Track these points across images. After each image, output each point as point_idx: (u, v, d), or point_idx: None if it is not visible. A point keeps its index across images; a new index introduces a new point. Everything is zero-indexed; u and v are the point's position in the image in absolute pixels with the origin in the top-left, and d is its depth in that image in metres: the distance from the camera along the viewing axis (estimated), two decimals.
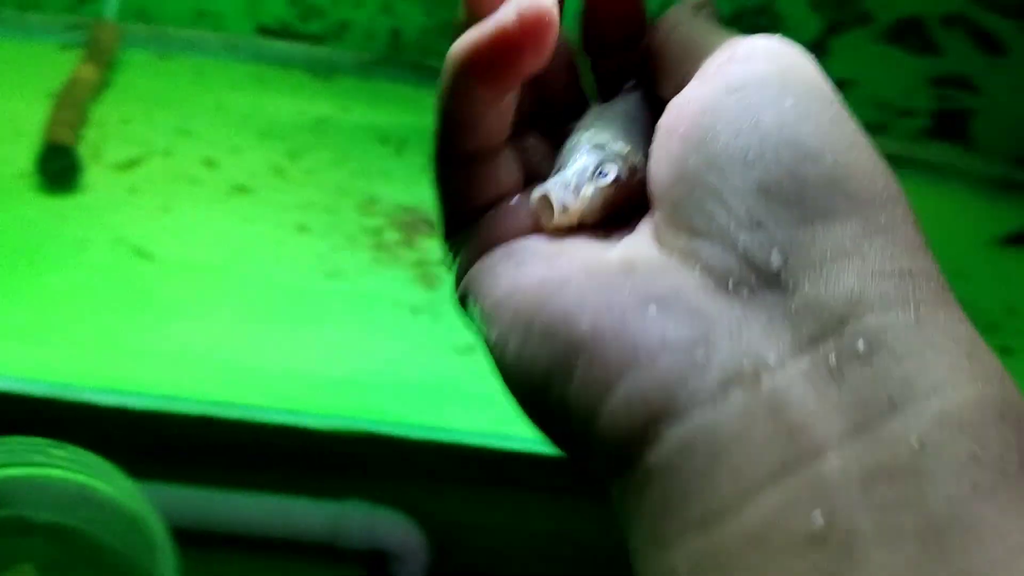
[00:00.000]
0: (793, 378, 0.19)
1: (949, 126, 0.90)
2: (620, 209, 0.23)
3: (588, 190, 0.23)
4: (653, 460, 0.19)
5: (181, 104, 0.80)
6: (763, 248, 0.20)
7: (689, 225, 0.21)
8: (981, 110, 0.90)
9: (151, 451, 0.54)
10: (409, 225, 0.75)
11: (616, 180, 0.23)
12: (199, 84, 0.83)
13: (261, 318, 0.63)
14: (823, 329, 0.19)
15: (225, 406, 0.55)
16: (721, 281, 0.20)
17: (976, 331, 0.20)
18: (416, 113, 0.87)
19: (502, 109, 0.23)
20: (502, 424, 0.60)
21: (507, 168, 0.25)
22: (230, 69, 0.86)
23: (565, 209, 0.23)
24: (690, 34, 0.24)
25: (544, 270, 0.22)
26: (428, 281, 0.70)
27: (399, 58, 0.90)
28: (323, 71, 0.89)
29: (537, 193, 0.23)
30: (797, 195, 0.20)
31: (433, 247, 0.73)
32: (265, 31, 0.89)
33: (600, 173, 0.23)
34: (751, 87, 0.21)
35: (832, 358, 0.18)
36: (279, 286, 0.66)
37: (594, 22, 0.26)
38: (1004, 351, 0.75)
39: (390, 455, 0.56)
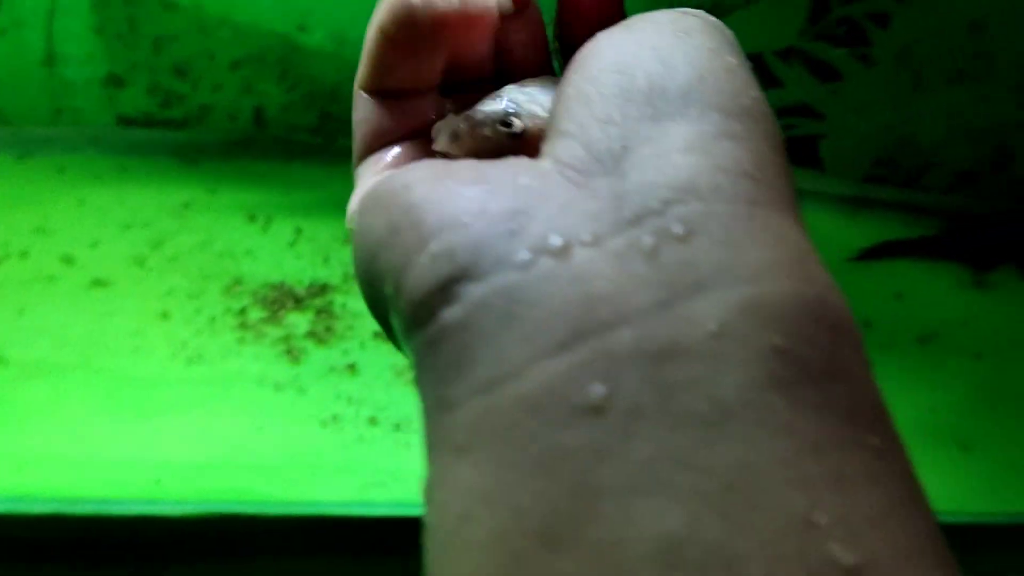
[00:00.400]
0: (606, 253, 0.18)
1: (800, 152, 0.94)
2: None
3: (485, 131, 0.23)
4: (448, 317, 0.18)
5: (40, 203, 0.80)
6: (608, 140, 0.20)
7: (557, 129, 0.21)
8: (827, 134, 0.94)
9: (3, 554, 0.54)
10: (275, 301, 0.76)
11: (521, 133, 0.24)
12: (60, 181, 0.84)
13: (119, 412, 0.64)
14: (646, 211, 0.19)
15: (76, 502, 0.55)
16: (563, 169, 0.20)
17: (816, 250, 0.19)
18: (283, 188, 0.88)
19: (425, 59, 0.25)
20: (367, 492, 0.61)
21: (424, 109, 0.26)
22: (92, 163, 0.87)
23: (456, 138, 0.24)
24: None
25: (412, 164, 0.22)
26: (293, 356, 0.71)
27: (264, 136, 0.92)
28: (188, 155, 0.90)
29: (443, 121, 0.24)
30: (652, 97, 0.20)
31: (299, 321, 0.74)
32: (126, 121, 0.90)
33: (509, 118, 0.24)
34: (644, 25, 0.22)
35: (648, 238, 0.18)
36: (138, 378, 0.66)
37: (570, 19, 0.26)
38: None
39: (248, 534, 0.57)
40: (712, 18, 0.23)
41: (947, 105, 0.91)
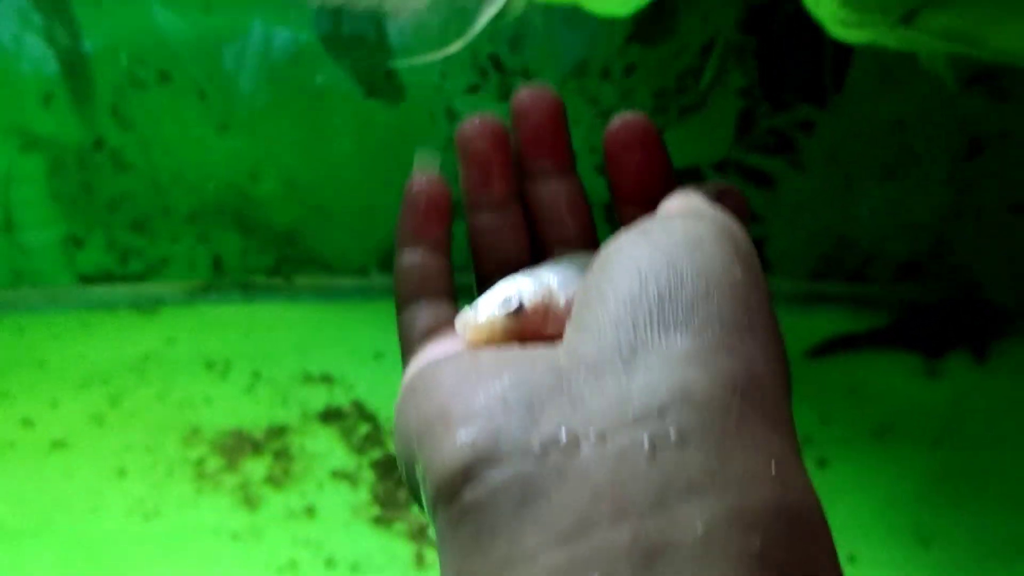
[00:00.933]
0: (609, 452, 0.21)
1: None
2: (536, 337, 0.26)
3: (487, 315, 0.26)
4: (470, 498, 0.21)
5: None
6: (619, 342, 0.23)
7: (577, 323, 0.24)
8: (769, 237, 0.97)
9: None
10: (232, 448, 0.77)
11: (519, 309, 0.26)
12: (20, 342, 0.86)
13: (76, 575, 0.64)
14: (647, 413, 0.21)
15: None
16: (577, 364, 0.23)
17: (793, 446, 0.22)
18: (242, 332, 0.90)
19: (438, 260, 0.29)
20: None
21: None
22: (52, 322, 0.89)
23: (467, 326, 0.26)
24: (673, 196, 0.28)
25: (443, 355, 0.26)
26: (251, 503, 0.71)
27: (223, 282, 0.94)
28: (147, 307, 0.92)
29: (459, 315, 0.27)
30: (663, 306, 0.23)
31: (256, 466, 0.75)
32: (86, 279, 0.92)
33: (506, 301, 0.26)
34: (660, 233, 0.25)
35: (647, 441, 0.21)
36: (96, 538, 0.67)
37: (620, 179, 0.30)
38: (820, 462, 0.79)
39: None
40: (721, 218, 0.26)
41: (880, 201, 0.94)
